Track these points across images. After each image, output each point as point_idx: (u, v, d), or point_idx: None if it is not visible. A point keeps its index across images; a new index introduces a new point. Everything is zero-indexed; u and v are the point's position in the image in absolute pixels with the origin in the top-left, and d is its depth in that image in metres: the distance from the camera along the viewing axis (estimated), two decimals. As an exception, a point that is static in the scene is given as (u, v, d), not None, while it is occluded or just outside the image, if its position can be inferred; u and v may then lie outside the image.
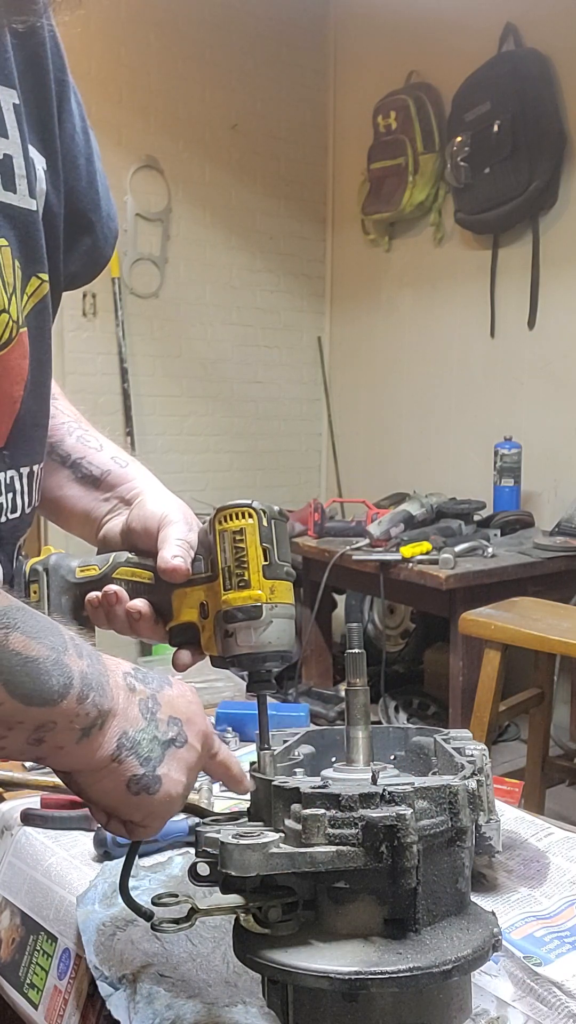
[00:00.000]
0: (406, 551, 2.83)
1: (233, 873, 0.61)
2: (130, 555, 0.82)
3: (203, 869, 0.67)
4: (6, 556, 0.78)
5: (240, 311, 4.31)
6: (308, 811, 0.61)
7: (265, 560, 0.74)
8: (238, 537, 0.75)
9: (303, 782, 0.67)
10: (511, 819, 1.07)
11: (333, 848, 0.60)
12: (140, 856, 0.97)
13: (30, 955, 0.96)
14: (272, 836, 0.63)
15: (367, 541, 3.04)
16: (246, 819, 0.72)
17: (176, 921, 0.65)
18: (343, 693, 0.79)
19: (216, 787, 1.13)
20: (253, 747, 1.01)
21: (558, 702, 2.92)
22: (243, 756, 1.19)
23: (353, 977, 0.58)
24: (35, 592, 0.82)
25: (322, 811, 0.61)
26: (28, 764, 1.22)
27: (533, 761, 2.61)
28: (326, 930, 0.62)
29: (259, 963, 0.62)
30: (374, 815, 0.60)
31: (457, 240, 3.89)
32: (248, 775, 0.74)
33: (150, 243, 4.00)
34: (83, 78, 1.45)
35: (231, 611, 0.74)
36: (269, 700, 0.77)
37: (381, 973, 0.58)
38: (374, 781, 0.64)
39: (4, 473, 0.74)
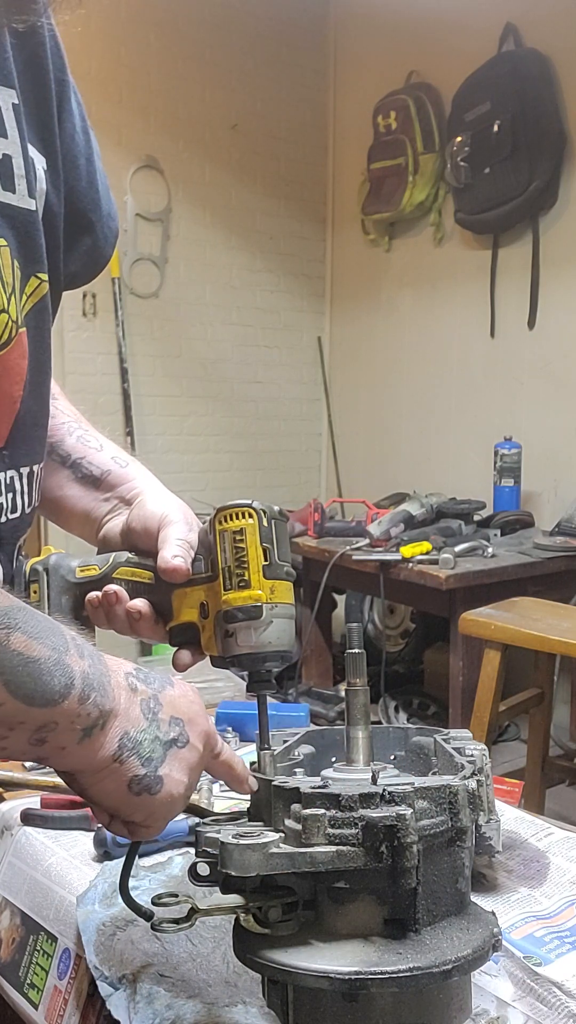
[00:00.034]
0: (406, 551, 2.83)
1: (233, 873, 0.61)
2: (130, 555, 0.82)
3: (203, 869, 0.67)
4: (6, 556, 0.78)
5: (240, 311, 4.31)
6: (308, 811, 0.61)
7: (265, 560, 0.74)
8: (238, 537, 0.75)
9: (303, 782, 0.67)
10: (511, 819, 1.07)
11: (333, 848, 0.60)
12: (140, 856, 0.97)
13: (30, 955, 0.96)
14: (272, 836, 0.63)
15: (367, 541, 3.04)
16: (246, 819, 0.72)
17: (176, 921, 0.65)
18: (343, 693, 0.79)
19: (216, 787, 1.13)
20: (253, 747, 1.01)
21: (558, 702, 2.92)
22: (243, 756, 1.18)
23: (353, 977, 0.58)
24: (35, 592, 0.82)
25: (322, 811, 0.61)
26: (28, 764, 1.22)
27: (533, 761, 2.61)
28: (326, 930, 0.62)
29: (259, 963, 0.62)
30: (374, 815, 0.60)
31: (457, 240, 3.89)
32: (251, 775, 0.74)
33: (150, 243, 4.00)
34: (83, 78, 1.45)
35: (231, 611, 0.74)
36: (269, 700, 0.77)
37: (381, 973, 0.58)
38: (374, 781, 0.64)
39: (4, 473, 0.74)
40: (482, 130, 3.44)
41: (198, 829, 0.68)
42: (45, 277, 0.75)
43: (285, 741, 0.81)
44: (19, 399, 0.74)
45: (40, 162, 0.74)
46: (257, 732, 0.76)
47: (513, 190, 3.42)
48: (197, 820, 0.74)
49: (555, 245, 3.49)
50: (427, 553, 2.85)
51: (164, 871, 0.96)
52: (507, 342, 3.72)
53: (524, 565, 2.88)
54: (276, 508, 0.76)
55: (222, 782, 0.74)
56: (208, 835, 0.66)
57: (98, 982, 0.79)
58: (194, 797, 1.06)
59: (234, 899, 0.63)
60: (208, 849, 0.66)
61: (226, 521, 0.76)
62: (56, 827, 1.08)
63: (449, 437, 4.00)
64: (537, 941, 0.83)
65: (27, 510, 0.79)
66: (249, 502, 0.75)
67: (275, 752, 0.75)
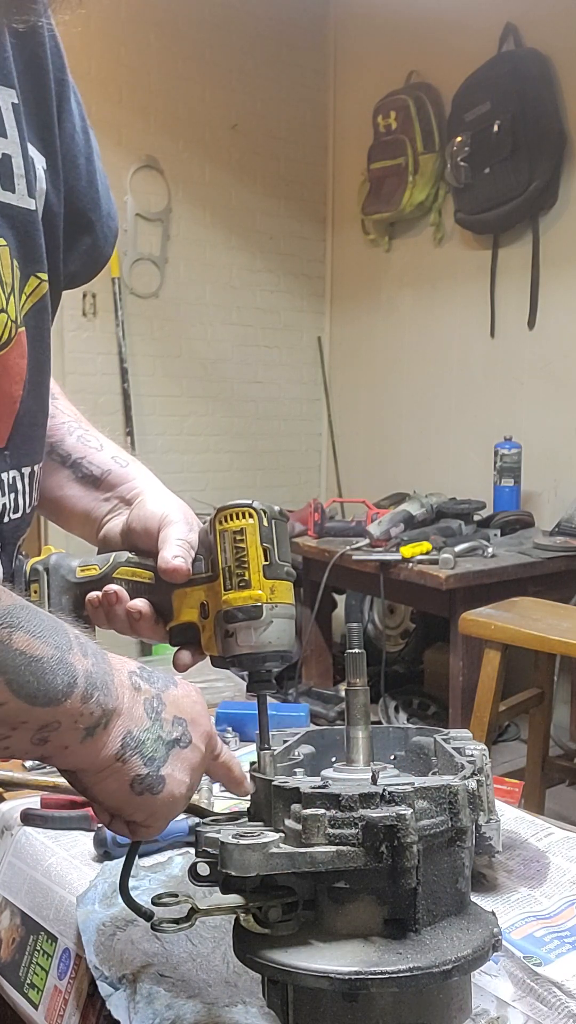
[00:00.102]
0: (406, 551, 2.83)
1: (233, 873, 0.61)
2: (130, 555, 0.82)
3: (203, 869, 0.67)
4: (6, 556, 0.78)
5: (240, 311, 4.31)
6: (308, 811, 0.61)
7: (265, 560, 0.74)
8: (238, 537, 0.75)
9: (303, 782, 0.67)
10: (511, 819, 1.07)
11: (333, 848, 0.60)
12: (140, 856, 0.97)
13: (30, 955, 0.96)
14: (272, 836, 0.63)
15: (367, 541, 3.04)
16: (246, 819, 0.72)
17: (176, 921, 0.65)
18: (343, 693, 0.79)
19: (216, 787, 1.13)
20: (253, 747, 1.01)
21: (558, 702, 2.92)
22: (243, 756, 1.19)
23: (353, 977, 0.58)
24: (35, 592, 0.82)
25: (322, 811, 0.61)
26: (28, 764, 1.22)
27: (533, 761, 2.61)
28: (326, 930, 0.62)
29: (259, 963, 0.62)
30: (374, 815, 0.59)
31: (457, 240, 3.89)
32: (248, 777, 0.74)
33: (150, 243, 4.00)
34: (83, 78, 1.45)
35: (231, 611, 0.74)
36: (269, 700, 0.77)
37: (381, 973, 0.58)
38: (374, 781, 0.64)
39: (7, 473, 0.74)
40: (482, 130, 3.44)
41: (198, 829, 0.68)
42: (45, 277, 0.75)
43: (285, 741, 0.81)
44: (19, 399, 0.74)
45: (40, 162, 0.74)
46: (257, 732, 0.76)
47: (513, 190, 3.42)
48: (197, 820, 0.74)
49: (555, 245, 3.49)
50: (427, 553, 2.85)
51: (164, 871, 0.96)
52: (507, 342, 3.72)
53: (524, 565, 2.88)
54: (276, 508, 0.76)
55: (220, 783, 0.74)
56: (208, 835, 0.66)
57: (98, 982, 0.79)
58: (194, 797, 1.06)
59: (234, 899, 0.63)
60: (208, 849, 0.66)
61: (226, 521, 0.76)
62: (56, 827, 1.08)
63: (449, 437, 4.00)
64: (537, 941, 0.83)
65: (28, 510, 0.79)
66: (249, 502, 0.75)
67: (275, 752, 0.75)
